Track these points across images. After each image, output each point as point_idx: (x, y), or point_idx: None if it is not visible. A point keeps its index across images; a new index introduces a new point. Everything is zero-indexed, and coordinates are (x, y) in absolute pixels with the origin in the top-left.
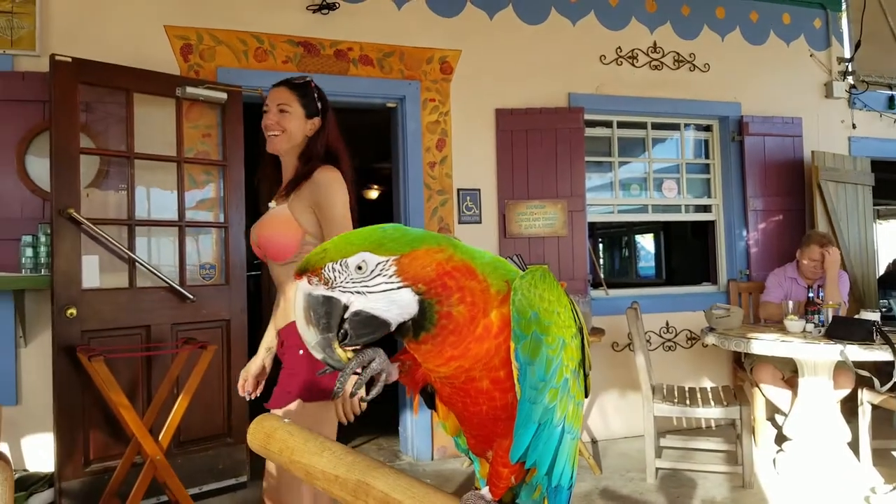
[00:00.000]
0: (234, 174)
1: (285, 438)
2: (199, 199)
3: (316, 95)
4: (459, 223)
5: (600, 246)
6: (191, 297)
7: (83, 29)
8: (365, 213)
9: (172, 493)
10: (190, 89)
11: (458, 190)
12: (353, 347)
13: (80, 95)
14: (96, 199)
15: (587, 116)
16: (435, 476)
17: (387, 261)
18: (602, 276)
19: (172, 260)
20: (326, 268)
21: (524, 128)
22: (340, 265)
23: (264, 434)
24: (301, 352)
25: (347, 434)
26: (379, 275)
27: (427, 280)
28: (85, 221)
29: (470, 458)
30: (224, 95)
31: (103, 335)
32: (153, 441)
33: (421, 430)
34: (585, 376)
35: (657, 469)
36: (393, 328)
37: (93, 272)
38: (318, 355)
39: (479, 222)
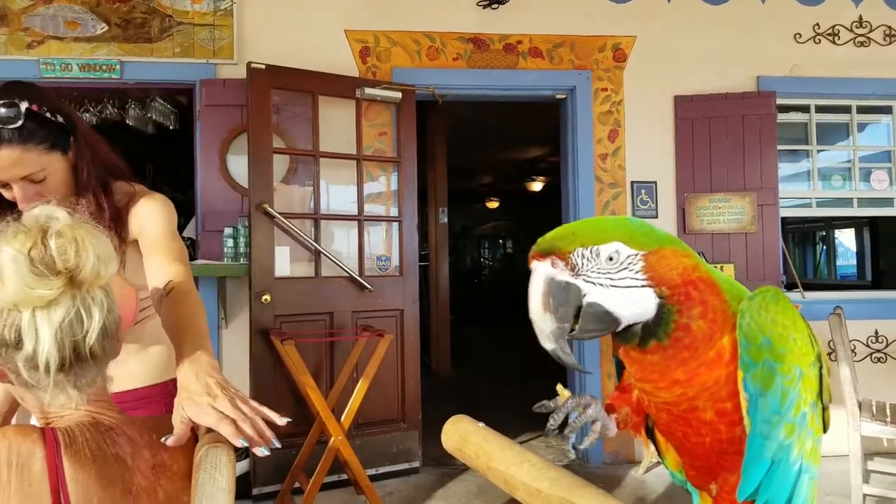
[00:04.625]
0: (407, 170)
1: (481, 443)
2: (375, 193)
3: (49, 114)
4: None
5: (790, 242)
6: (369, 287)
7: (273, 37)
8: (527, 207)
9: (352, 471)
10: (368, 90)
11: (632, 182)
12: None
13: (272, 99)
14: (284, 194)
15: (779, 101)
16: (605, 480)
17: (636, 255)
18: (797, 276)
19: (352, 252)
20: (575, 253)
21: (706, 115)
22: (591, 252)
23: (459, 436)
24: None
25: (516, 430)
26: (626, 268)
27: (671, 284)
28: (277, 215)
29: (688, 489)
30: (399, 95)
31: (292, 320)
32: (336, 422)
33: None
34: (824, 409)
35: (864, 496)
36: (621, 327)
37: (284, 262)
38: (549, 346)
39: (655, 217)
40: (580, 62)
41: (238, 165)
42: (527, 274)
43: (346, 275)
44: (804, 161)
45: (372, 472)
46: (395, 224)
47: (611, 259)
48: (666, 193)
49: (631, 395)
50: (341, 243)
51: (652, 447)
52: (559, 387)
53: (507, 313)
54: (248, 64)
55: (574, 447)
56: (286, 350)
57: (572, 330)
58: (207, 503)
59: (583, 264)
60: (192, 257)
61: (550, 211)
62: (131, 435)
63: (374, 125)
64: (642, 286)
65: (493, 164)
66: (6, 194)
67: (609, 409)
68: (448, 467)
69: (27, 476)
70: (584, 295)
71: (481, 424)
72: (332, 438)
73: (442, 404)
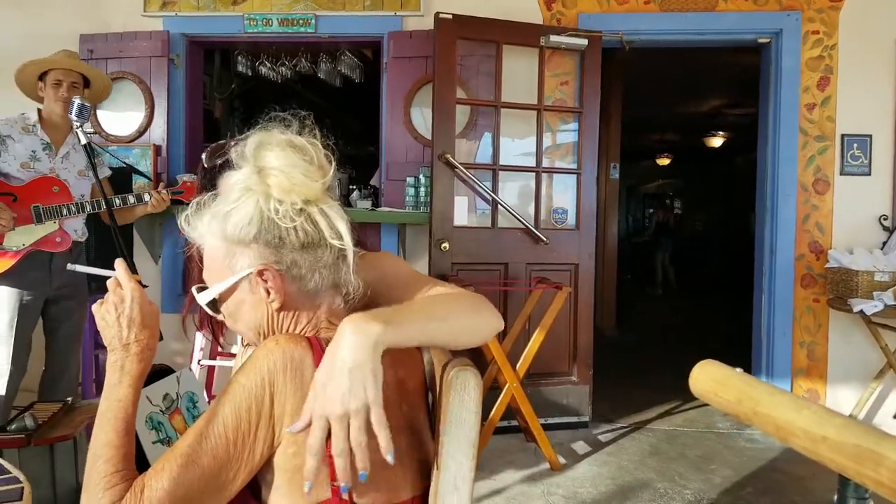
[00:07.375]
0: (589, 121)
1: (744, 388)
2: (554, 145)
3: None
4: (841, 174)
5: None
6: (544, 239)
7: None
8: (699, 165)
9: (524, 418)
10: (553, 38)
11: (843, 136)
12: None
13: (458, 49)
14: (462, 147)
15: None
16: (783, 451)
17: None
18: None
19: (528, 203)
20: None
21: None
22: None
23: (713, 381)
24: None
25: (681, 395)
26: None
27: None
28: (458, 165)
29: None
30: (585, 42)
31: (468, 268)
32: (511, 369)
33: None
34: None
35: None
36: None
37: (462, 211)
38: None
39: (868, 174)
40: (789, 2)
41: (420, 117)
42: (698, 237)
43: (522, 226)
44: None
45: (541, 421)
46: (574, 177)
47: None
48: (882, 149)
49: None
50: (518, 195)
51: None
52: None
53: (671, 279)
54: (436, 14)
55: None
56: None
57: None
58: (456, 423)
59: None
60: (376, 205)
61: (724, 170)
62: None
63: (555, 74)
64: None
65: (670, 117)
66: None
67: None
68: (618, 425)
69: (299, 380)
70: None
71: (739, 370)
72: (507, 385)
73: (607, 363)
